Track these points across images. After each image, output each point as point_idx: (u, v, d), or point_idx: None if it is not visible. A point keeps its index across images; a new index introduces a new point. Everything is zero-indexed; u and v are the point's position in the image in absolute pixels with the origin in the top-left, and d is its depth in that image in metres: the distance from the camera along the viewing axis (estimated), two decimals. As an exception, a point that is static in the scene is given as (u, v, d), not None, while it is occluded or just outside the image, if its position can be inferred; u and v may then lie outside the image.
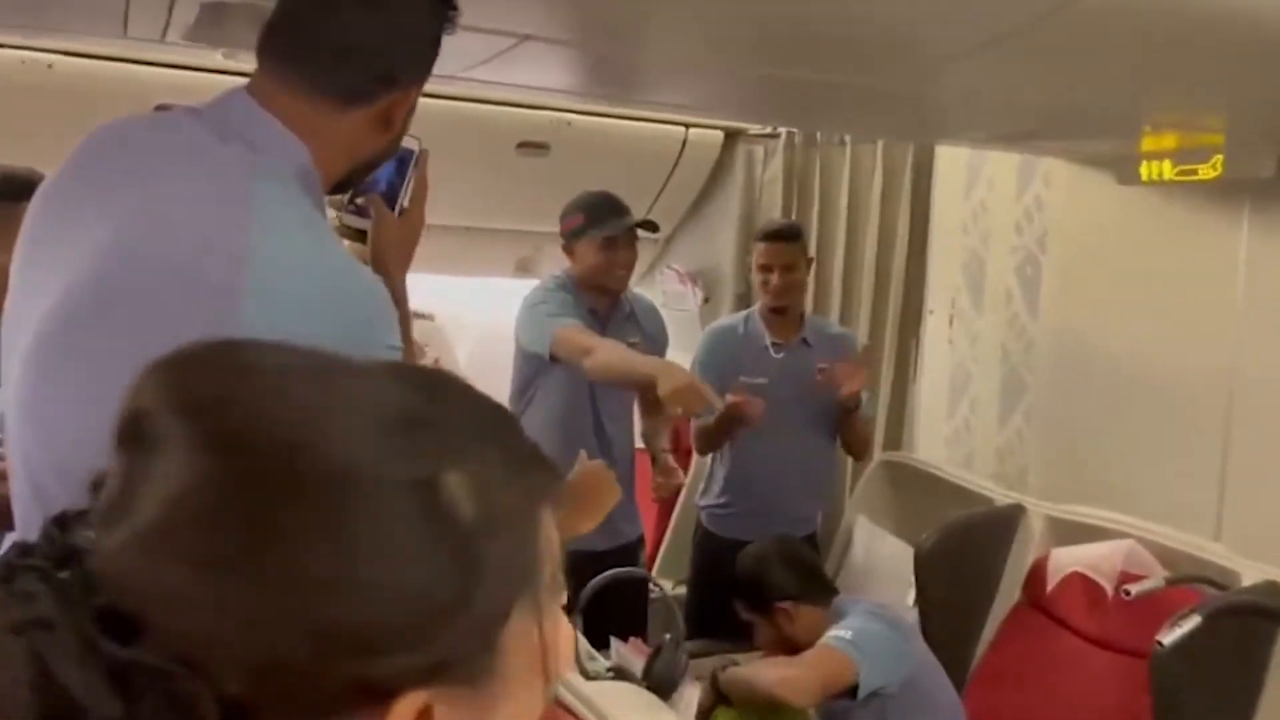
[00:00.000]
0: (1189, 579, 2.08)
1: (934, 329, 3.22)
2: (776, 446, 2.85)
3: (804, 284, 2.93)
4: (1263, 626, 1.95)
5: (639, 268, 3.98)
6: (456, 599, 0.50)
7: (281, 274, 0.90)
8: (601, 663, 1.45)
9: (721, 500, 2.96)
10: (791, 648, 2.17)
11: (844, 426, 2.85)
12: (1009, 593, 2.53)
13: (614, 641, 1.55)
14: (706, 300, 3.83)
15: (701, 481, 3.13)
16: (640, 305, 2.88)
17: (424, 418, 0.53)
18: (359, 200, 1.20)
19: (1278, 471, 2.20)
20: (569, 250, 2.69)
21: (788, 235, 2.87)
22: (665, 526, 3.53)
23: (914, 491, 3.00)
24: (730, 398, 2.69)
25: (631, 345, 2.71)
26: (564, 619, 0.65)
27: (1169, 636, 1.86)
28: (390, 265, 1.21)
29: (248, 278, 0.88)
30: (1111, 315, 2.65)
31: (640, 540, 2.88)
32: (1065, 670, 2.30)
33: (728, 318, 3.15)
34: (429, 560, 0.49)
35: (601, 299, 2.69)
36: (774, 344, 2.90)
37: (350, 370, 0.54)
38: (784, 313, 2.89)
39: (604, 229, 2.60)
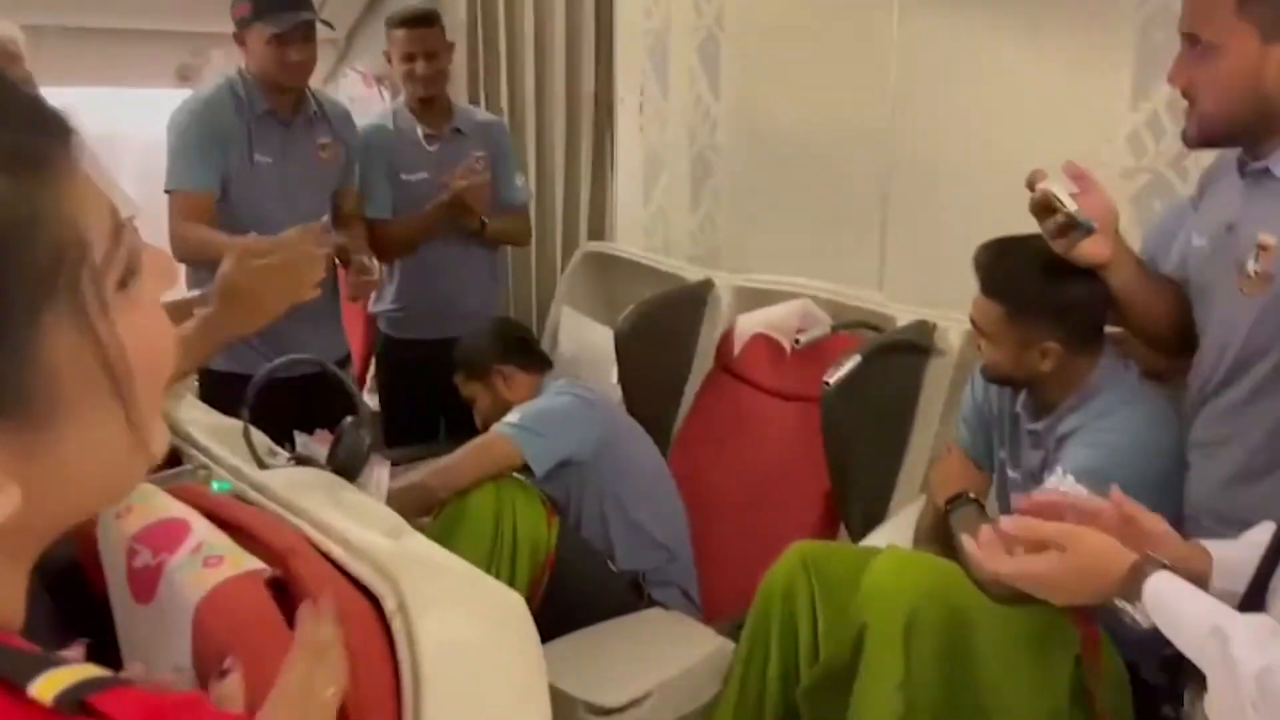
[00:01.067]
0: (851, 325, 2.27)
1: (625, 118, 3.23)
2: (442, 241, 2.80)
3: (445, 68, 2.83)
4: (914, 361, 2.17)
5: (319, 72, 3.72)
6: None
7: None
8: (283, 456, 1.40)
9: (396, 303, 2.93)
10: (505, 414, 2.23)
11: (491, 235, 2.85)
12: (704, 362, 2.68)
13: (297, 434, 1.50)
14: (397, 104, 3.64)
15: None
16: (332, 108, 2.68)
17: None
18: None
19: (927, 226, 2.40)
20: (240, 40, 2.46)
21: (426, 20, 2.76)
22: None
23: (616, 279, 3.07)
24: (455, 188, 2.68)
25: (322, 147, 2.58)
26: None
27: (834, 376, 2.04)
28: None
29: None
30: (784, 90, 2.74)
31: (347, 359, 2.80)
32: (755, 424, 2.49)
33: (379, 114, 3.00)
34: None
35: (281, 98, 2.49)
36: (427, 136, 2.82)
37: None
38: (433, 102, 2.80)
39: (271, 23, 2.38)
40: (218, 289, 1.36)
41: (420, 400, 2.89)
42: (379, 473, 1.42)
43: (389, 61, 2.86)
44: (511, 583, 1.98)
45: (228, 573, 0.95)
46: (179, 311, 1.53)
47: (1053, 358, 1.59)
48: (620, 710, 1.76)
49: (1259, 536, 1.15)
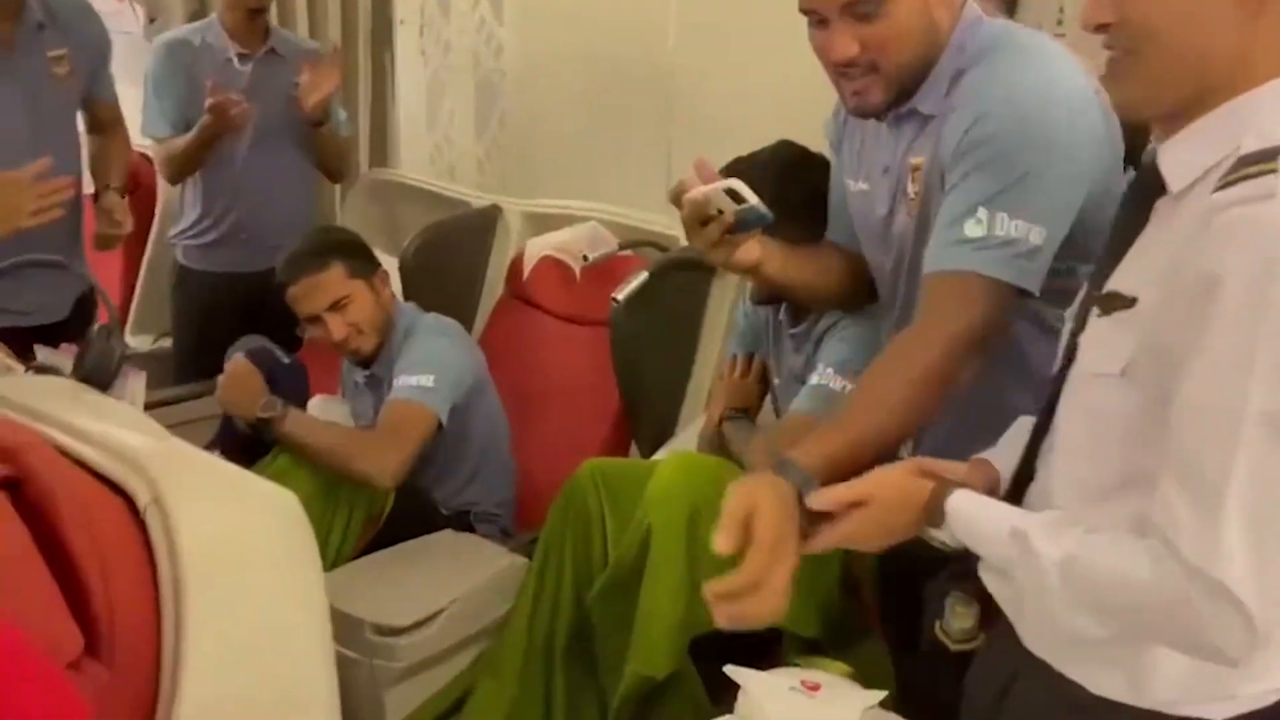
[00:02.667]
0: (636, 244, 2.29)
1: (406, 40, 3.11)
2: (251, 166, 2.63)
3: None
4: (700, 278, 2.21)
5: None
6: None
7: None
8: (19, 368, 1.27)
9: (197, 231, 2.71)
10: (383, 322, 2.12)
11: (317, 143, 2.69)
12: (494, 288, 2.64)
13: (38, 348, 1.37)
14: (152, 21, 3.35)
15: (173, 217, 2.83)
16: (62, 8, 2.30)
17: None
18: None
19: (711, 146, 2.43)
20: None
21: None
22: (134, 278, 3.19)
23: (399, 207, 2.97)
24: (210, 101, 2.41)
25: (55, 60, 2.24)
26: None
27: (622, 292, 2.05)
28: None
29: None
30: (568, 12, 2.71)
31: (91, 293, 2.55)
32: (546, 349, 2.48)
33: (183, 28, 2.77)
34: None
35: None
36: (240, 55, 2.62)
37: None
38: (255, 17, 2.60)
39: None
40: None
41: (223, 339, 2.47)
42: (133, 383, 1.31)
43: None
44: (344, 538, 1.92)
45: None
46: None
47: None
48: (408, 629, 1.72)
49: (1018, 434, 1.23)
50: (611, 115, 2.63)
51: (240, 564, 0.93)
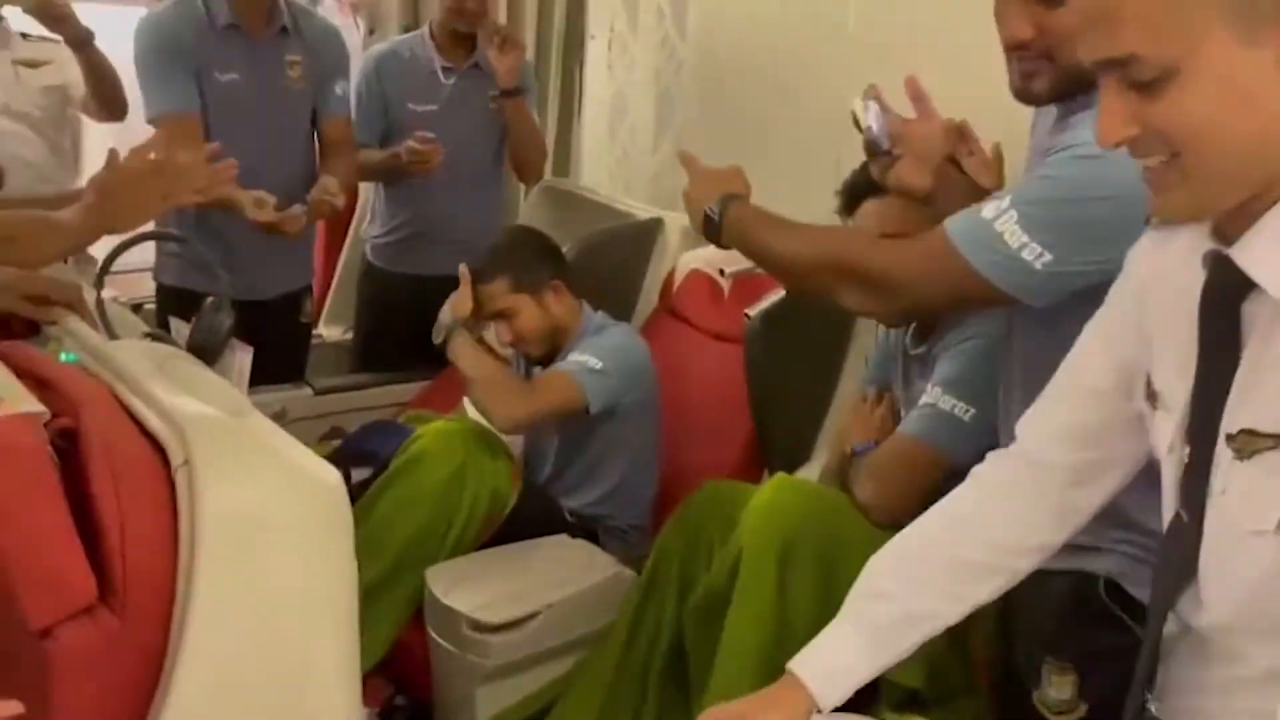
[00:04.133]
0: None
1: (595, 54, 3.17)
2: (443, 175, 2.75)
3: (489, 5, 2.74)
4: (847, 302, 2.11)
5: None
6: None
7: None
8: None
9: (385, 230, 2.86)
10: (549, 332, 2.16)
11: (514, 129, 2.74)
12: (649, 301, 2.63)
13: (172, 320, 1.47)
14: (372, 32, 3.59)
15: (367, 214, 3.01)
16: (310, 24, 2.46)
17: None
18: None
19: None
20: None
21: None
22: (333, 271, 3.41)
23: (572, 216, 3.01)
24: (410, 144, 2.54)
25: (290, 64, 2.40)
26: None
27: (756, 309, 1.99)
28: None
29: None
30: (748, 33, 2.68)
31: (307, 290, 2.72)
32: (691, 365, 2.44)
33: (393, 40, 2.94)
34: None
35: (248, 10, 2.31)
36: (445, 68, 2.74)
37: None
38: (465, 37, 2.73)
39: None
40: (91, 186, 1.47)
41: (399, 336, 2.74)
42: (241, 358, 1.38)
43: None
44: (463, 534, 1.94)
45: (1, 412, 0.91)
46: (62, 201, 1.54)
47: None
48: (502, 628, 1.72)
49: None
50: (785, 136, 2.57)
51: (259, 533, 0.95)
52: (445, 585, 1.79)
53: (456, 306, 2.12)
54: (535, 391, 2.03)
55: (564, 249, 2.82)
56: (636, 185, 3.06)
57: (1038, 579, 1.13)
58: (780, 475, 1.63)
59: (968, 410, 1.46)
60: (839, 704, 1.14)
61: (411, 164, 2.58)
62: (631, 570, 1.88)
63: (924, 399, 1.51)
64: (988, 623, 1.50)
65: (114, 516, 0.88)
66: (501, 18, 3.24)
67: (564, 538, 2.01)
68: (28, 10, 2.53)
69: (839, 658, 1.14)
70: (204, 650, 0.90)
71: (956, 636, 1.50)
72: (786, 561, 1.47)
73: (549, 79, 3.26)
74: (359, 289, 2.98)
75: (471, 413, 2.26)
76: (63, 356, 1.26)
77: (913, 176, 1.41)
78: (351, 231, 3.34)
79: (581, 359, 2.05)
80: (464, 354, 2.06)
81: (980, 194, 1.41)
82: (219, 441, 0.97)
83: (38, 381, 1.05)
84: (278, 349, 2.27)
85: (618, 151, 3.13)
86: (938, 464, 1.49)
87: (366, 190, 3.23)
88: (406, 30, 3.38)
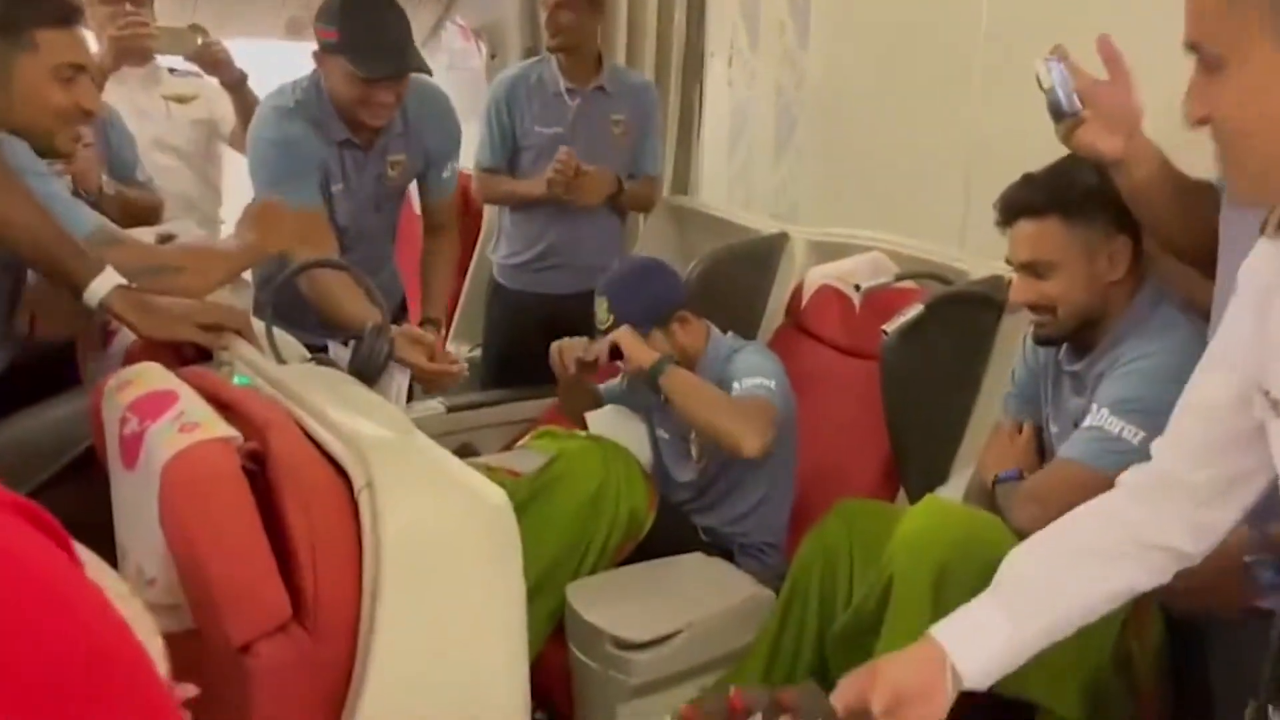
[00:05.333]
0: (916, 275, 2.18)
1: (715, 71, 3.18)
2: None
3: (588, 22, 2.74)
4: (986, 316, 2.06)
5: (421, 29, 3.76)
6: None
7: None
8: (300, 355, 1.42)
9: (512, 252, 2.92)
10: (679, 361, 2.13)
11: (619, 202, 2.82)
12: (775, 317, 2.62)
13: (330, 343, 1.53)
14: (493, 57, 3.67)
15: (494, 234, 3.08)
16: (417, 111, 2.32)
17: None
18: None
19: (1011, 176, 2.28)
20: (318, 58, 2.15)
21: None
22: (459, 290, 3.49)
23: (694, 234, 3.03)
24: (554, 171, 2.58)
25: (391, 165, 2.33)
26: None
27: (893, 325, 1.96)
28: None
29: None
30: (871, 43, 2.65)
31: (403, 305, 2.73)
32: (821, 381, 2.41)
33: (520, 64, 3.01)
34: None
35: (360, 130, 2.22)
36: (568, 90, 2.79)
37: None
38: (572, 53, 2.76)
39: (359, 66, 2.04)
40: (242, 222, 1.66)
41: (528, 354, 2.63)
42: (399, 380, 1.42)
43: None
44: (601, 553, 1.94)
45: (200, 436, 0.96)
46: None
47: (1123, 258, 1.51)
48: (644, 646, 1.73)
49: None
50: (909, 145, 2.53)
51: (437, 552, 0.97)
52: (587, 602, 1.80)
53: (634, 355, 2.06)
54: (761, 413, 1.95)
55: (687, 267, 2.85)
56: (757, 200, 3.05)
57: (1262, 623, 1.11)
58: (931, 499, 1.60)
59: (1137, 433, 1.40)
60: (976, 672, 1.16)
61: (560, 186, 2.62)
62: (769, 590, 1.87)
63: (1089, 420, 1.46)
64: (1160, 658, 1.44)
65: (306, 538, 0.92)
66: (621, 39, 3.28)
67: (701, 556, 2.00)
68: (189, 57, 2.66)
69: (974, 617, 1.19)
70: (389, 665, 0.92)
71: (1121, 666, 1.45)
72: (940, 588, 1.44)
73: (668, 98, 3.28)
74: (488, 309, 3.05)
75: (595, 428, 2.28)
76: (236, 380, 1.32)
77: (1103, 140, 1.36)
78: (477, 253, 3.42)
79: (754, 380, 2.00)
80: (684, 382, 2.00)
81: (1168, 165, 1.38)
82: (398, 463, 1.00)
83: (221, 406, 1.10)
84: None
85: (737, 167, 3.13)
86: (1104, 489, 1.43)
87: (491, 213, 3.31)
88: (528, 54, 3.46)
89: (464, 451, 2.65)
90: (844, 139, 2.75)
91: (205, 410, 1.02)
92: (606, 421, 2.30)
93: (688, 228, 3.07)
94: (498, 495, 1.04)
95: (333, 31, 2.07)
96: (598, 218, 2.84)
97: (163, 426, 0.99)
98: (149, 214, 2.37)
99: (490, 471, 2.25)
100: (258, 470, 1.00)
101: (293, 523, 0.93)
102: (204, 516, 0.90)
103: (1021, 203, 1.55)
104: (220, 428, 0.98)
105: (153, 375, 1.09)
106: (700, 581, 1.91)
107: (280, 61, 3.66)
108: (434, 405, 2.71)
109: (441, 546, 0.99)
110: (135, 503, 1.01)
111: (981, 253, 2.27)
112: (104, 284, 1.39)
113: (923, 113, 2.50)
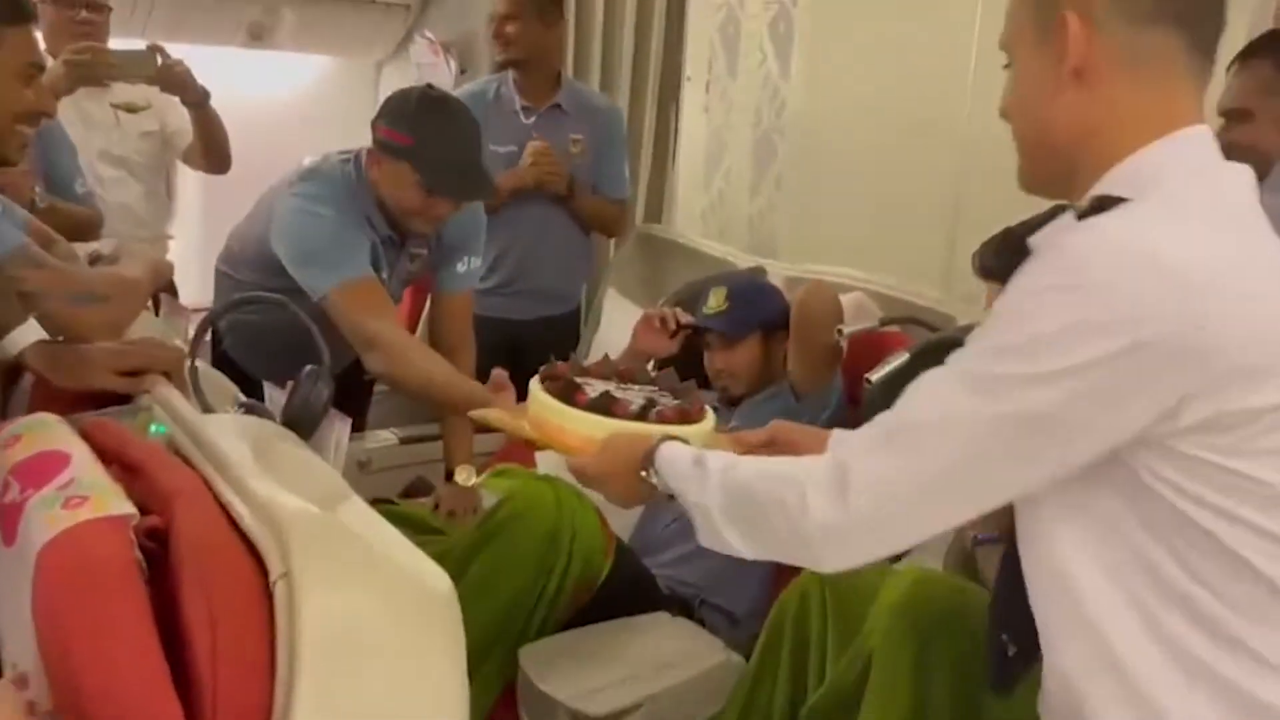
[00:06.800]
0: (902, 320, 2.07)
1: (691, 96, 3.07)
2: (529, 219, 2.68)
3: (537, 37, 2.64)
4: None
5: (388, 42, 3.63)
6: None
7: None
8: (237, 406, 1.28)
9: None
10: (763, 378, 2.13)
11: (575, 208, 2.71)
12: (749, 356, 2.50)
13: (267, 386, 1.38)
14: (463, 72, 3.54)
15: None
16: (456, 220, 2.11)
17: None
18: None
19: (1002, 220, 2.18)
20: (375, 158, 1.98)
21: None
22: (419, 314, 3.34)
23: (667, 265, 2.91)
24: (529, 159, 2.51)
25: (411, 258, 2.14)
26: None
27: (878, 374, 1.84)
28: None
29: None
30: (857, 73, 2.56)
31: None
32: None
33: (480, 80, 2.89)
34: None
35: (399, 229, 2.06)
36: (524, 108, 2.68)
37: None
38: (525, 69, 2.66)
39: (432, 182, 1.92)
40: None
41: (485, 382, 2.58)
42: (339, 430, 1.28)
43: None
44: (554, 603, 1.82)
45: (85, 515, 0.82)
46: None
47: None
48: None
49: None
50: (894, 183, 2.44)
51: (365, 654, 0.83)
52: (541, 668, 1.67)
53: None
54: None
55: (658, 298, 2.73)
56: (733, 230, 2.95)
57: None
58: (913, 568, 1.48)
59: None
60: None
61: (542, 173, 2.59)
62: (739, 656, 1.74)
63: None
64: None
65: (206, 638, 0.78)
66: (596, 61, 3.17)
67: (664, 616, 1.87)
68: (150, 82, 2.51)
69: None
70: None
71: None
72: (923, 666, 1.33)
73: (643, 122, 3.17)
74: None
75: (547, 467, 2.15)
76: (152, 429, 1.18)
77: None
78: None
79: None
80: None
81: None
82: (322, 546, 0.86)
83: (125, 467, 0.96)
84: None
85: (713, 196, 3.02)
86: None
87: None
88: (499, 67, 3.34)
89: (418, 486, 2.52)
90: (826, 171, 2.65)
91: (98, 478, 0.88)
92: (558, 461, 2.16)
93: (660, 257, 2.95)
94: (440, 581, 0.91)
95: (405, 137, 1.92)
96: (561, 242, 2.74)
97: (46, 498, 0.84)
98: (84, 229, 2.21)
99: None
100: (159, 550, 0.86)
101: (191, 619, 0.78)
102: (81, 615, 0.75)
103: (994, 270, 1.45)
104: (113, 502, 0.84)
105: (43, 431, 0.95)
106: (663, 646, 1.78)
107: (239, 70, 3.54)
108: (387, 436, 2.59)
109: (370, 646, 0.84)
110: (12, 587, 0.86)
111: (969, 296, 2.18)
112: (25, 334, 1.28)
113: (909, 147, 2.41)
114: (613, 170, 2.76)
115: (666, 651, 1.76)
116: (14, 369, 1.45)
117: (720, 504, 1.04)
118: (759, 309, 2.17)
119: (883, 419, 0.96)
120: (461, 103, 2.06)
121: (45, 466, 0.89)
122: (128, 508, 0.85)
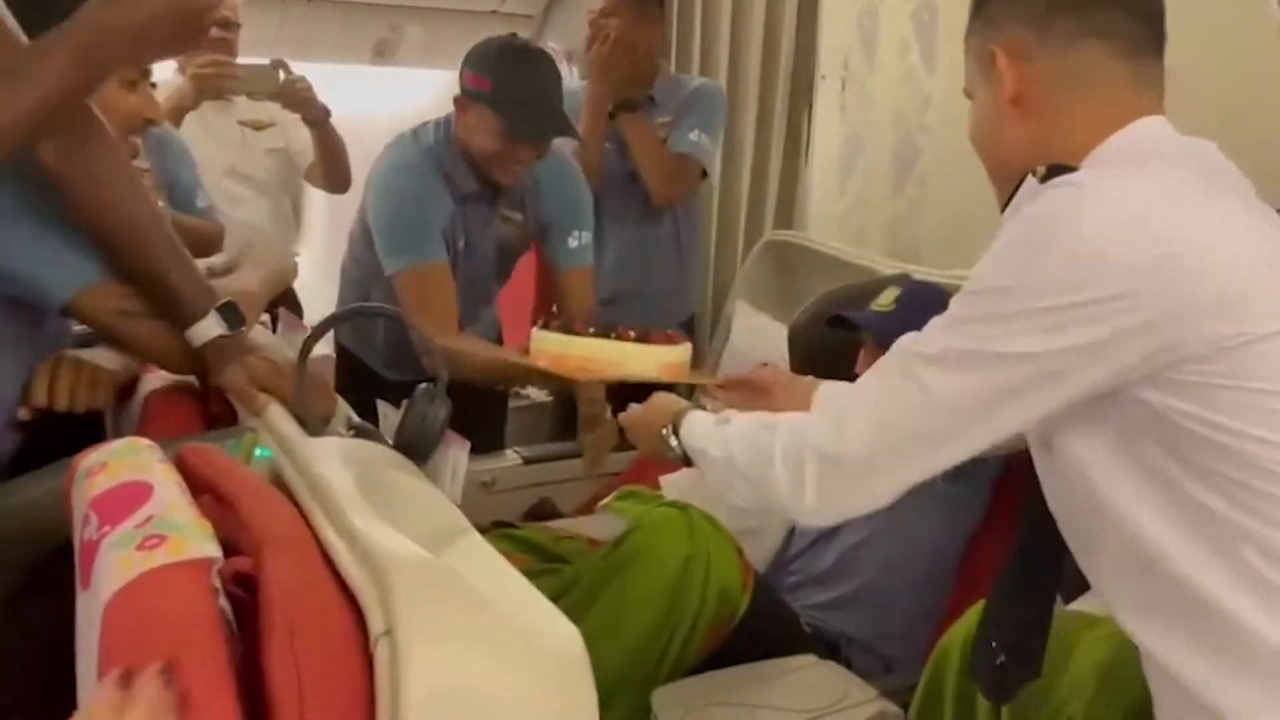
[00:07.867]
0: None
1: (826, 96, 2.89)
2: (620, 224, 2.57)
3: (631, 38, 2.49)
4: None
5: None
6: None
7: None
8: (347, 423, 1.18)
9: None
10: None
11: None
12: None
13: (380, 404, 1.28)
14: (584, 78, 3.46)
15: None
16: (548, 171, 2.17)
17: None
18: None
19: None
20: (460, 104, 2.04)
21: None
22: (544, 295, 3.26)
23: (800, 273, 2.73)
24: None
25: (504, 219, 2.18)
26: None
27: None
28: None
29: None
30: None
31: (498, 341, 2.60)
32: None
33: (575, 84, 2.79)
34: None
35: (487, 184, 2.09)
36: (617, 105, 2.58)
37: None
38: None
39: (512, 122, 1.95)
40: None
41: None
42: (456, 455, 1.16)
43: None
44: (687, 642, 1.67)
45: (161, 559, 0.70)
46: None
47: None
48: (745, 777, 1.43)
49: None
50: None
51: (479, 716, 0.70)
52: (676, 715, 1.51)
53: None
54: None
55: (794, 309, 2.56)
56: (872, 235, 2.75)
57: None
58: (1113, 628, 1.28)
59: None
60: None
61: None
62: (896, 707, 1.55)
63: None
64: None
65: (293, 708, 0.65)
66: (724, 59, 3.02)
67: (810, 659, 1.70)
68: (273, 98, 2.50)
69: None
70: None
71: None
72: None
73: (773, 124, 3.01)
74: None
75: (673, 493, 2.00)
76: (258, 453, 1.08)
77: None
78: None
79: None
80: None
81: None
82: (429, 597, 0.74)
83: (218, 499, 0.86)
84: (475, 409, 2.09)
85: (850, 200, 2.83)
86: None
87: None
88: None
89: (542, 507, 2.42)
90: (975, 169, 2.42)
91: (182, 514, 0.77)
92: (686, 485, 2.01)
93: (792, 266, 2.77)
94: (567, 637, 0.77)
95: (485, 80, 1.97)
96: (659, 242, 2.64)
97: (122, 537, 0.74)
98: (207, 243, 2.18)
99: (570, 541, 2.02)
100: (249, 598, 0.75)
101: (278, 685, 0.66)
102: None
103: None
104: (193, 544, 0.73)
105: (130, 459, 0.85)
106: (809, 693, 1.60)
107: (364, 87, 3.53)
108: (511, 456, 2.49)
109: (485, 716, 0.71)
110: (86, 636, 0.76)
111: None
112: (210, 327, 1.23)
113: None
114: (684, 125, 2.56)
115: (813, 698, 1.58)
116: (126, 389, 1.38)
117: (738, 454, 1.13)
118: (919, 324, 1.95)
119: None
120: (543, 50, 2.08)
121: (125, 499, 0.78)
122: (211, 549, 0.73)
